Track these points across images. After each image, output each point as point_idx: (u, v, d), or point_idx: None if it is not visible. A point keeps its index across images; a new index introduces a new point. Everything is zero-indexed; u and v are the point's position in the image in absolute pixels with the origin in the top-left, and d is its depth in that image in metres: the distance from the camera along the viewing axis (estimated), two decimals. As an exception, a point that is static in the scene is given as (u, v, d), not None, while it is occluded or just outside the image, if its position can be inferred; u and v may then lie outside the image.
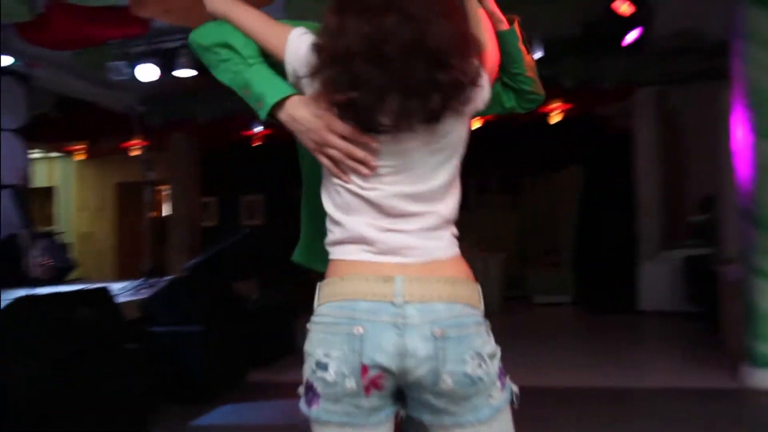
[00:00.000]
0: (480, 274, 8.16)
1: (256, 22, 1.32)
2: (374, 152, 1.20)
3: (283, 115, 1.28)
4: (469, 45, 1.20)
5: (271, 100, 1.27)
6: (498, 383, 1.24)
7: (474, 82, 1.20)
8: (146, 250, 8.76)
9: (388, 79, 1.14)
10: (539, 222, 10.96)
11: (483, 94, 1.28)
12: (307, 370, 1.22)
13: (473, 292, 1.26)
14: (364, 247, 1.23)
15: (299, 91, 1.27)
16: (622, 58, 6.65)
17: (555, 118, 10.05)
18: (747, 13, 4.38)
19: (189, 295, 4.66)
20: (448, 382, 1.18)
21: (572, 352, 6.38)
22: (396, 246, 1.22)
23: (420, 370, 1.18)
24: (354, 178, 1.22)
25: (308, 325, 1.24)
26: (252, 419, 4.28)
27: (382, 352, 1.16)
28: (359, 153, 1.20)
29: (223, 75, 1.34)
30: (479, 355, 1.21)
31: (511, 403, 1.27)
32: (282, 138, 10.10)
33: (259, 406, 4.59)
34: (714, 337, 5.96)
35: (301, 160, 1.59)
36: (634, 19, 5.57)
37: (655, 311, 7.85)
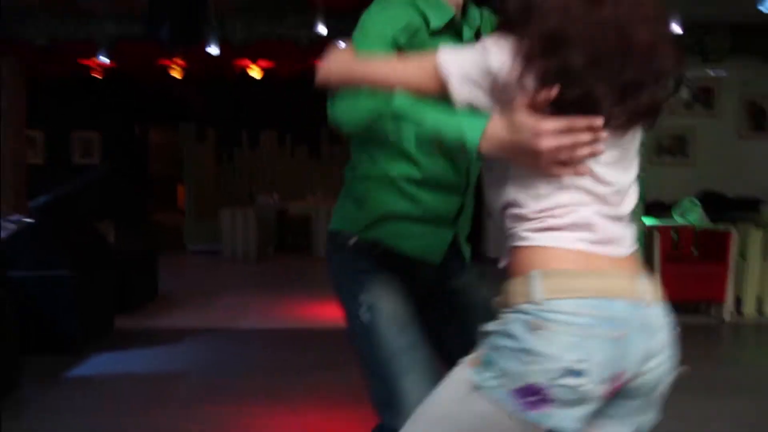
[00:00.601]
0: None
1: (384, 69, 1.22)
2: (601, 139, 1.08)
3: (490, 147, 1.13)
4: None
5: (473, 137, 1.13)
6: None
7: None
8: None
9: (634, 73, 1.07)
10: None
11: None
12: (541, 374, 1.04)
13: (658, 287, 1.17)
14: (584, 235, 1.11)
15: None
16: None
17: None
18: None
19: (53, 237, 4.28)
20: (665, 386, 1.15)
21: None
22: (614, 236, 1.14)
23: (651, 375, 1.11)
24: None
25: (537, 320, 1.05)
26: (126, 369, 4.12)
27: (637, 357, 1.08)
28: (586, 139, 1.07)
29: (406, 143, 1.19)
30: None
31: None
32: (125, 71, 9.30)
33: (130, 354, 4.41)
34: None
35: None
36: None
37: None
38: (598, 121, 1.05)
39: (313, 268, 8.39)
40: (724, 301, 5.15)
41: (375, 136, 1.28)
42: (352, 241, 1.58)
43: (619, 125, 1.09)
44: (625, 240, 1.15)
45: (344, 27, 7.25)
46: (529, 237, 1.12)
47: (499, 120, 1.12)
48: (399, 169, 1.51)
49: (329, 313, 5.39)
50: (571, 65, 1.04)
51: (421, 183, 1.52)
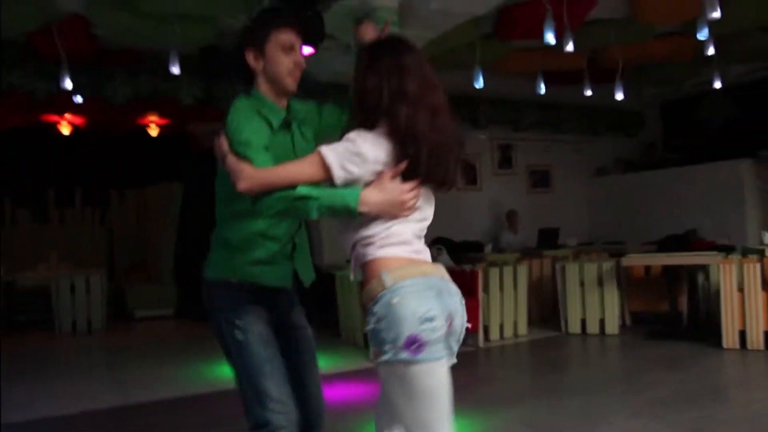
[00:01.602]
0: (82, 292, 7.63)
1: (286, 172, 1.78)
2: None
3: (366, 208, 1.75)
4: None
5: (354, 203, 1.75)
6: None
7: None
8: None
9: (446, 153, 1.83)
10: (129, 236, 10.68)
11: None
12: (410, 328, 1.67)
13: None
14: (407, 248, 1.83)
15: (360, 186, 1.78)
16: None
17: (152, 131, 10.05)
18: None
19: None
20: (463, 331, 1.84)
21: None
22: (422, 248, 1.90)
23: (458, 322, 1.80)
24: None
25: (393, 297, 1.69)
26: None
27: (451, 308, 1.76)
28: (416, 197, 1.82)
29: (315, 214, 1.77)
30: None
31: None
32: None
33: None
34: (324, 332, 7.04)
35: (220, 187, 2.12)
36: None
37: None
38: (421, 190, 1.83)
39: (59, 347, 7.49)
40: (477, 330, 6.01)
41: (286, 214, 1.85)
42: (230, 282, 2.11)
43: (434, 184, 1.85)
44: (426, 250, 1.89)
45: (85, 82, 6.86)
46: (376, 253, 1.79)
47: (371, 188, 1.76)
48: (256, 227, 2.08)
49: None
50: (419, 154, 1.76)
51: (268, 236, 2.10)
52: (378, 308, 1.70)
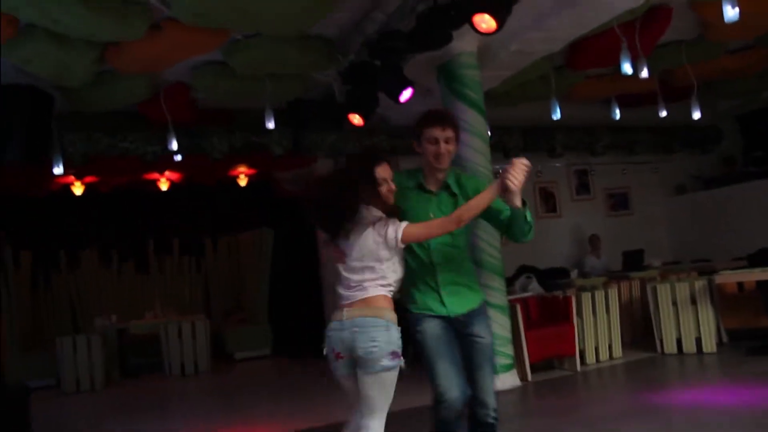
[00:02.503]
0: (188, 336, 8.11)
1: (474, 208, 2.74)
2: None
3: None
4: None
5: None
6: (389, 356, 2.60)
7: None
8: None
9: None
10: (224, 281, 11.29)
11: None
12: (394, 345, 2.62)
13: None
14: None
15: None
16: (330, 133, 7.78)
17: (242, 181, 10.69)
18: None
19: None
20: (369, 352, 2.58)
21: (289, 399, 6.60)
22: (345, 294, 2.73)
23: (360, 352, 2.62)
24: None
25: (392, 325, 2.63)
26: None
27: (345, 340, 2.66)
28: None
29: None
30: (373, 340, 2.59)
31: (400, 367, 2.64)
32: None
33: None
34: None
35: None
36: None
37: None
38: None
39: (167, 389, 8.02)
40: (573, 354, 6.13)
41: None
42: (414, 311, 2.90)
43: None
44: (357, 291, 2.69)
45: (187, 142, 7.47)
46: (383, 290, 2.65)
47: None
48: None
49: None
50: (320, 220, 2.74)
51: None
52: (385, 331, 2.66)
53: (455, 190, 2.90)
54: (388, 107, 6.57)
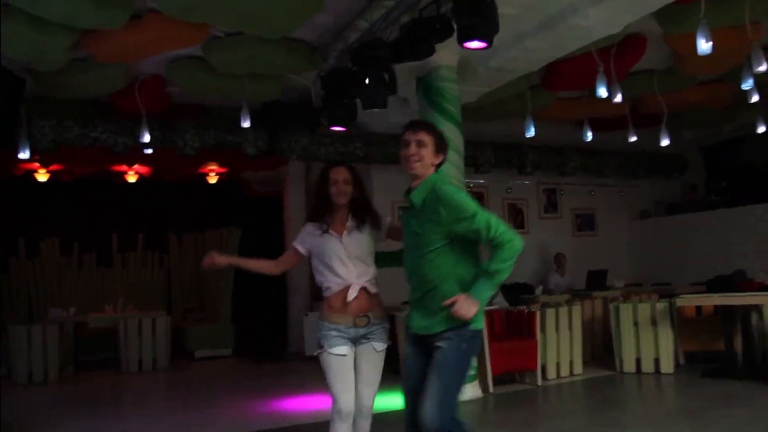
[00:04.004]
0: (148, 332, 7.98)
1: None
2: None
3: None
4: None
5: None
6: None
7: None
8: None
9: None
10: (187, 279, 11.13)
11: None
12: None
13: None
14: None
15: None
16: (303, 137, 7.75)
17: (212, 179, 10.59)
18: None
19: None
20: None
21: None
22: None
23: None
24: None
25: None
26: None
27: None
28: None
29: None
30: None
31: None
32: None
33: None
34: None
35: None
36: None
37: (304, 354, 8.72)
38: None
39: (123, 384, 7.86)
40: (535, 369, 6.21)
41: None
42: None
43: None
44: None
45: (159, 136, 7.38)
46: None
47: None
48: None
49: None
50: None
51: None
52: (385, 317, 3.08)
53: (417, 202, 2.74)
54: (365, 114, 6.60)
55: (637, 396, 6.01)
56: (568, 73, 6.86)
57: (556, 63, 6.70)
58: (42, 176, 9.44)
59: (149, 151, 7.62)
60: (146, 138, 6.97)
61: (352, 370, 2.92)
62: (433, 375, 2.59)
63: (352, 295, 2.92)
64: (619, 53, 6.31)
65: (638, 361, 6.61)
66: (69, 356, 8.44)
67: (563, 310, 6.60)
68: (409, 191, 2.79)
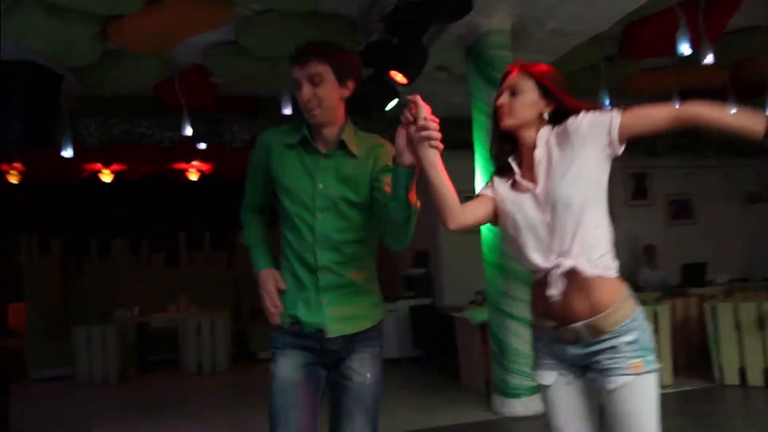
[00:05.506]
0: (207, 333, 7.70)
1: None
2: None
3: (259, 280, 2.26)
4: None
5: (256, 270, 2.27)
6: None
7: None
8: None
9: None
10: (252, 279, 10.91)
11: None
12: None
13: None
14: None
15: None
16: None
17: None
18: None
19: None
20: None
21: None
22: None
23: None
24: None
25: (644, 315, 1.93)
26: None
27: None
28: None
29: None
30: None
31: None
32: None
33: None
34: (443, 376, 6.66)
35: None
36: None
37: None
38: None
39: (182, 386, 7.65)
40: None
41: None
42: None
43: None
44: None
45: (205, 129, 7.07)
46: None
47: (266, 274, 2.32)
48: None
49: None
50: None
51: None
52: (640, 322, 1.86)
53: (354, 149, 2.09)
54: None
55: (737, 414, 5.03)
56: (648, 37, 5.90)
57: (633, 26, 5.80)
58: (106, 177, 9.47)
59: (203, 145, 7.39)
60: (188, 131, 6.68)
61: None
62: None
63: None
64: (709, 5, 5.31)
65: (742, 372, 5.58)
66: (131, 357, 8.36)
67: (648, 310, 5.67)
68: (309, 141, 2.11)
